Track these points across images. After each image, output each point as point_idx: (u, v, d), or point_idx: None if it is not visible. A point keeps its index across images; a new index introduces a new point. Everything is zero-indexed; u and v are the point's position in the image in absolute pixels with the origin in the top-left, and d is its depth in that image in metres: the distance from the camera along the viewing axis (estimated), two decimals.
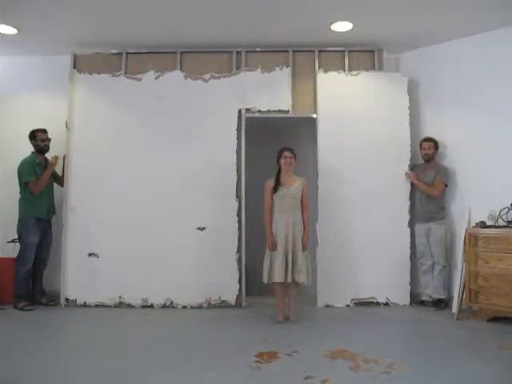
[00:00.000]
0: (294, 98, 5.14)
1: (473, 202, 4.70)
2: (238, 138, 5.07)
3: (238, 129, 5.08)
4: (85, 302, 4.83)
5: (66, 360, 3.26)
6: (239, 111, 5.12)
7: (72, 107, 5.11)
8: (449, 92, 4.99)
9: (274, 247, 4.21)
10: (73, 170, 5.03)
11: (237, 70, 5.20)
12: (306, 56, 5.22)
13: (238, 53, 5.23)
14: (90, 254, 4.91)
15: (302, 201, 4.29)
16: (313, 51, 5.21)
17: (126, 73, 5.21)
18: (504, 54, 4.61)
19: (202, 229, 4.92)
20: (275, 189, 4.29)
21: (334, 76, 5.13)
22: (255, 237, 4.90)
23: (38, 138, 4.91)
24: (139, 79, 5.17)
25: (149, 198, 4.96)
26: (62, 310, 4.76)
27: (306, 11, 4.40)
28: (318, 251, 4.87)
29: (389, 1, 4.18)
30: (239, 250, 4.91)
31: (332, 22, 4.65)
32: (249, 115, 5.11)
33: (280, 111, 5.12)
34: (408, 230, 4.91)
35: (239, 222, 4.94)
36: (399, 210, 4.92)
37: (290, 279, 4.15)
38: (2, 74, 5.47)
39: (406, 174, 4.91)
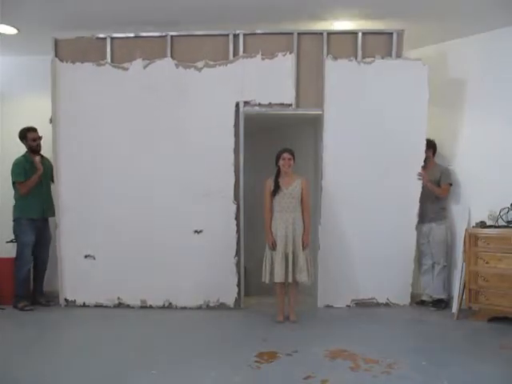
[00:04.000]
0: (298, 89, 4.65)
1: (473, 202, 4.70)
2: (236, 135, 4.68)
3: (236, 125, 4.67)
4: (84, 303, 4.79)
5: (65, 360, 3.27)
6: (237, 105, 4.67)
7: (56, 100, 4.77)
8: (450, 92, 4.98)
9: (274, 247, 4.21)
10: (62, 168, 4.77)
11: (234, 56, 4.68)
12: (313, 40, 4.67)
13: (236, 36, 4.69)
14: (86, 256, 4.75)
15: (302, 200, 4.27)
16: (321, 34, 4.65)
17: (111, 61, 4.76)
18: (505, 53, 4.60)
19: (199, 232, 4.69)
20: (274, 192, 4.27)
21: (344, 64, 4.61)
22: (255, 237, 4.87)
23: (29, 138, 4.82)
24: (126, 68, 4.73)
25: (141, 198, 4.70)
26: (62, 310, 4.74)
27: None
28: (319, 253, 4.71)
29: None
30: (238, 253, 4.68)
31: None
32: (248, 108, 4.68)
33: (282, 105, 4.67)
34: (414, 232, 4.67)
35: (237, 225, 4.66)
36: (407, 212, 4.64)
37: (290, 279, 4.14)
38: (2, 73, 5.47)
39: (420, 174, 4.63)
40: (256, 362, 3.13)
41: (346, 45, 4.66)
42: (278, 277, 4.14)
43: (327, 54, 4.65)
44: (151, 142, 4.74)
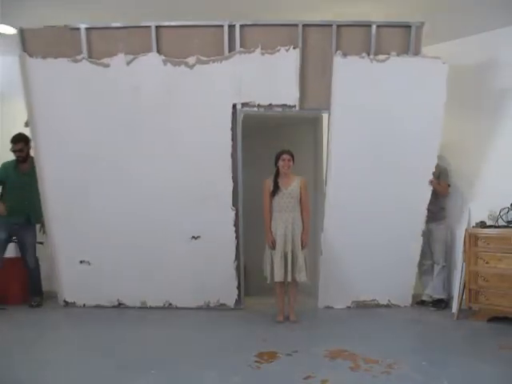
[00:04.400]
0: (302, 88, 4.23)
1: (473, 202, 4.70)
2: (234, 138, 4.33)
3: (233, 128, 4.31)
4: (84, 304, 4.76)
5: (64, 360, 3.27)
6: (234, 106, 4.29)
7: (30, 102, 4.31)
8: (449, 92, 4.96)
9: (273, 246, 4.21)
10: (46, 175, 4.44)
11: (230, 51, 4.20)
12: (321, 32, 4.18)
13: (231, 27, 4.18)
14: (81, 262, 4.60)
15: (301, 200, 4.27)
16: (329, 26, 4.15)
17: (89, 56, 4.21)
18: (504, 53, 4.60)
19: (197, 238, 4.48)
20: (274, 192, 4.26)
21: (355, 62, 4.17)
22: (254, 236, 4.83)
23: (12, 149, 4.75)
24: (107, 65, 4.21)
25: (134, 204, 4.44)
26: (63, 310, 4.74)
27: None
28: (321, 258, 4.56)
29: None
30: (237, 257, 4.53)
31: None
32: (247, 109, 4.32)
33: (284, 106, 4.28)
34: (421, 239, 4.53)
35: (236, 231, 4.46)
36: (415, 219, 4.48)
37: (289, 278, 4.15)
38: (2, 74, 5.47)
39: (431, 182, 4.48)
40: (256, 362, 3.13)
41: (357, 39, 4.20)
42: (278, 276, 4.14)
43: (336, 50, 4.19)
44: (140, 145, 4.39)
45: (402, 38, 4.25)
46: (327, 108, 4.32)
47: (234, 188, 4.44)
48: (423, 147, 4.36)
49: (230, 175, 4.41)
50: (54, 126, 4.40)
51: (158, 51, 4.26)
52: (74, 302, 4.79)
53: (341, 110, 4.28)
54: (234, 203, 4.48)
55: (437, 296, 4.75)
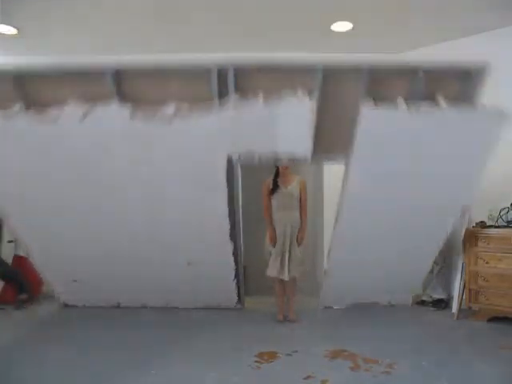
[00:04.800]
0: (316, 140, 3.43)
1: (473, 202, 4.70)
2: (231, 186, 3.79)
3: (230, 179, 3.74)
4: (84, 305, 4.76)
5: (64, 360, 3.26)
6: (229, 158, 3.58)
7: None
8: None
9: (274, 241, 4.22)
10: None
11: (221, 98, 3.27)
12: (345, 75, 3.27)
13: (222, 72, 3.24)
14: (74, 281, 4.47)
15: (300, 199, 4.28)
16: (358, 71, 3.20)
17: (27, 107, 3.19)
18: (502, 54, 4.59)
19: (195, 264, 4.27)
20: (273, 190, 4.28)
21: (388, 114, 3.23)
22: (254, 237, 4.83)
23: None
24: (54, 119, 3.20)
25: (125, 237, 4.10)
26: (62, 310, 4.75)
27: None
28: (324, 271, 4.47)
29: None
30: (237, 275, 4.41)
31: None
32: (246, 157, 3.62)
33: (292, 158, 3.60)
34: (432, 259, 4.40)
35: (236, 255, 4.27)
36: (435, 240, 4.19)
37: (287, 277, 4.15)
38: None
39: None
40: (256, 362, 3.13)
41: (393, 83, 3.30)
42: (270, 271, 4.17)
43: (364, 98, 3.24)
44: (110, 217, 3.82)
45: (454, 82, 3.34)
46: (346, 162, 3.66)
47: (232, 225, 4.03)
48: (453, 206, 3.88)
49: (227, 216, 3.92)
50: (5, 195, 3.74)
51: (122, 98, 3.25)
52: (74, 303, 4.79)
53: (361, 165, 3.55)
54: (232, 237, 4.12)
55: (437, 296, 4.75)
